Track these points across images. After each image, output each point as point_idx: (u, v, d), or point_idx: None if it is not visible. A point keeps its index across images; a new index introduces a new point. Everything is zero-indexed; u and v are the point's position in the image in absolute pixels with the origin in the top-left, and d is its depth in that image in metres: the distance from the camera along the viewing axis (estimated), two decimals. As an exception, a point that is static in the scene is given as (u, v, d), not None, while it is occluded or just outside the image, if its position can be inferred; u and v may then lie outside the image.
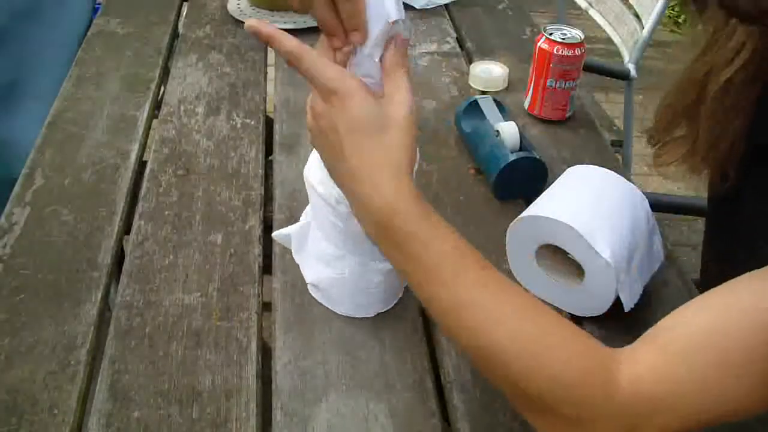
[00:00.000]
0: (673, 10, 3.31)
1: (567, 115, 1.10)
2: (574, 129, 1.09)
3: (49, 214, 0.90)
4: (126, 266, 0.84)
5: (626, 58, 1.70)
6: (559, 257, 0.78)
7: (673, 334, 0.57)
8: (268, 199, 0.95)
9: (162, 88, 1.18)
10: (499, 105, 1.01)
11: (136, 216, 0.90)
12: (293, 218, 0.89)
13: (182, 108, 1.10)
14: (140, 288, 0.81)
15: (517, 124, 0.95)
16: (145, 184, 0.95)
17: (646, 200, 0.80)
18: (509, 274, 0.83)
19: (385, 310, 0.79)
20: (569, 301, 0.79)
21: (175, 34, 1.32)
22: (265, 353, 0.76)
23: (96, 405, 0.69)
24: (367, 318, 0.78)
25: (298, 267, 0.81)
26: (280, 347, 0.76)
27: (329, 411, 0.69)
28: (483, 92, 1.14)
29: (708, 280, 0.86)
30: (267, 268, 0.85)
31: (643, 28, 1.66)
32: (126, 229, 0.90)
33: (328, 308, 0.79)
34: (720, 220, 0.87)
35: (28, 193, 0.93)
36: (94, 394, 0.70)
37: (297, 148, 1.03)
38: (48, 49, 1.41)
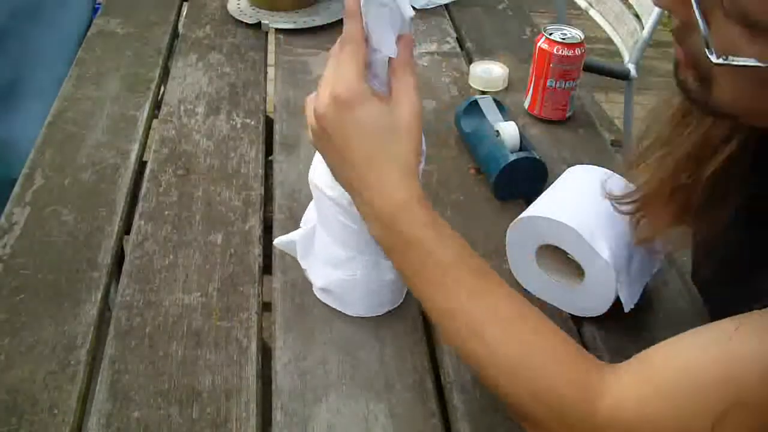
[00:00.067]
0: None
1: (567, 115, 1.10)
2: (574, 129, 1.09)
3: (49, 214, 0.90)
4: (126, 266, 0.84)
5: (626, 58, 1.70)
6: (559, 257, 0.78)
7: (660, 368, 0.56)
8: (268, 199, 0.95)
9: (162, 88, 1.18)
10: (499, 105, 1.01)
11: (136, 216, 0.90)
12: (293, 218, 0.89)
13: (182, 108, 1.10)
14: (140, 288, 0.81)
15: (517, 124, 0.95)
16: (145, 184, 0.95)
17: None
18: (509, 274, 0.84)
19: (393, 307, 0.80)
20: (569, 301, 0.79)
21: (175, 34, 1.32)
22: (265, 353, 0.76)
23: (96, 405, 0.69)
24: (368, 318, 0.78)
25: (299, 267, 0.81)
26: (280, 347, 0.76)
27: (329, 411, 0.69)
28: (483, 92, 1.14)
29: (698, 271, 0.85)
30: (267, 268, 0.85)
31: (643, 28, 1.66)
32: (126, 229, 0.90)
33: (328, 308, 0.79)
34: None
35: (28, 193, 0.93)
36: (94, 394, 0.70)
37: (297, 148, 1.03)
38: (48, 49, 1.41)
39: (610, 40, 1.81)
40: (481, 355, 0.60)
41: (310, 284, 0.81)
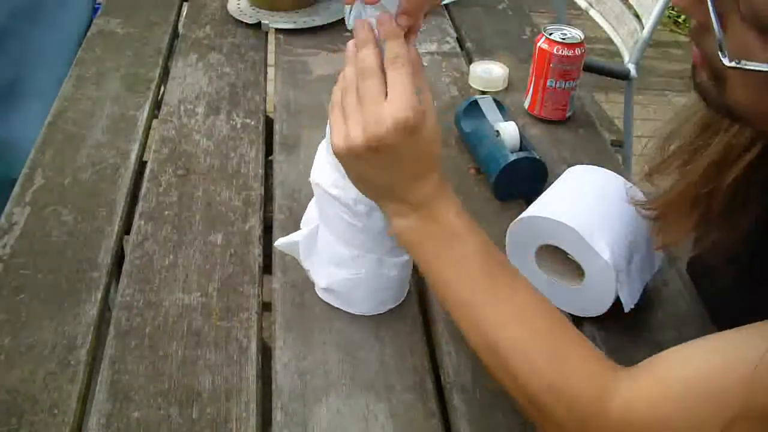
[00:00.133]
0: (672, 10, 3.31)
1: (567, 115, 1.10)
2: (574, 129, 1.09)
3: (49, 214, 0.90)
4: (126, 266, 0.84)
5: (626, 58, 1.70)
6: (559, 257, 0.78)
7: (673, 371, 0.57)
8: (268, 199, 0.95)
9: (162, 88, 1.18)
10: (499, 105, 1.01)
11: (136, 216, 0.90)
12: (293, 218, 0.89)
13: (182, 108, 1.10)
14: (140, 288, 0.81)
15: (517, 124, 0.95)
16: (145, 184, 0.95)
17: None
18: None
19: (397, 304, 0.80)
20: (569, 301, 0.79)
21: (175, 34, 1.32)
22: (265, 353, 0.76)
23: (96, 405, 0.69)
24: (368, 318, 0.78)
25: (299, 267, 0.81)
26: (280, 347, 0.76)
27: (329, 411, 0.69)
28: (483, 92, 1.14)
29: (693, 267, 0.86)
30: (267, 268, 0.85)
31: (643, 28, 1.66)
32: (126, 229, 0.90)
33: (328, 308, 0.79)
34: None
35: (28, 193, 0.93)
36: (94, 394, 0.70)
37: (297, 148, 1.03)
38: (48, 49, 1.41)
39: (610, 40, 1.81)
40: (502, 347, 0.61)
41: (310, 284, 0.81)
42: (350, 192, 0.70)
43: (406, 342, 0.77)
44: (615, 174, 0.82)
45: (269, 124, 1.10)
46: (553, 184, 0.84)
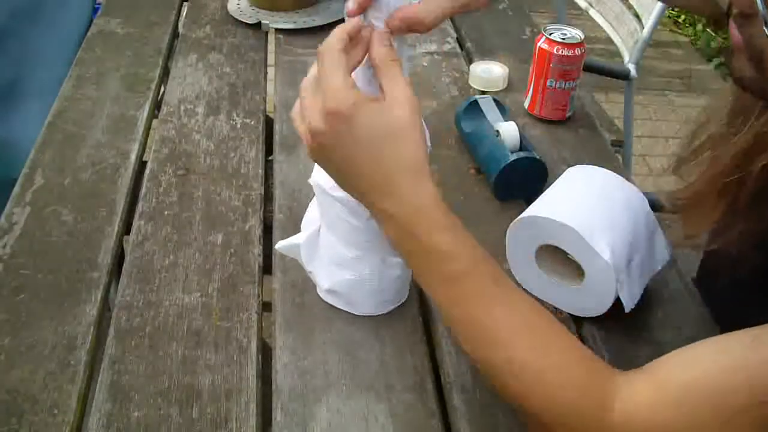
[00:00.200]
0: (672, 10, 3.31)
1: (567, 115, 1.10)
2: (574, 129, 1.09)
3: (49, 214, 0.90)
4: (126, 266, 0.84)
5: (626, 58, 1.70)
6: (559, 257, 0.78)
7: (672, 376, 0.57)
8: (268, 199, 0.95)
9: (162, 88, 1.18)
10: (499, 105, 1.01)
11: (136, 216, 0.90)
12: (293, 218, 0.89)
13: (182, 108, 1.10)
14: (140, 288, 0.81)
15: (517, 124, 0.95)
16: (145, 184, 0.95)
17: (646, 200, 0.80)
18: (509, 274, 0.84)
19: (400, 303, 0.80)
20: (569, 301, 0.79)
21: (175, 34, 1.32)
22: (265, 353, 0.76)
23: (96, 405, 0.69)
24: (367, 318, 0.78)
25: (299, 267, 0.81)
26: (280, 347, 0.76)
27: (329, 411, 0.69)
28: (483, 92, 1.14)
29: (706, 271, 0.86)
30: (267, 268, 0.85)
31: (643, 28, 1.66)
32: (126, 229, 0.90)
33: (328, 308, 0.79)
34: None
35: (28, 193, 0.93)
36: (94, 394, 0.70)
37: (297, 148, 1.03)
38: (48, 49, 1.41)
39: (610, 40, 1.81)
40: (497, 361, 0.60)
41: (310, 284, 0.81)
42: None
43: (406, 342, 0.77)
44: (615, 174, 0.82)
45: (269, 124, 1.10)
46: (553, 184, 0.84)
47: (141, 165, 1.00)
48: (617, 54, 1.78)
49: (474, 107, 1.02)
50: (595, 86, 2.41)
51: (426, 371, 0.74)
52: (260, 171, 0.98)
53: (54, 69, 1.27)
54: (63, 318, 0.77)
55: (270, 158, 1.03)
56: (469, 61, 1.25)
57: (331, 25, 1.30)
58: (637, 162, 2.39)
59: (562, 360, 0.59)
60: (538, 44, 1.06)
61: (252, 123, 1.08)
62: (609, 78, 1.74)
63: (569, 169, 0.86)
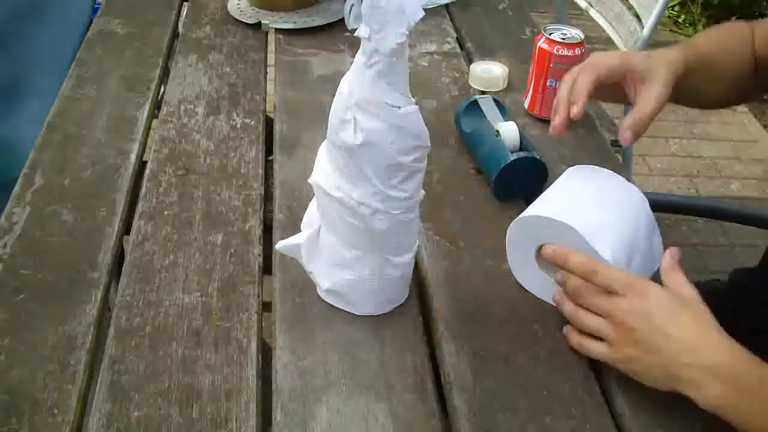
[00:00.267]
0: (672, 10, 3.31)
1: (567, 115, 1.09)
2: (574, 129, 1.09)
3: (49, 214, 0.90)
4: (126, 266, 0.84)
5: (626, 58, 1.70)
6: None
7: None
8: (268, 199, 0.95)
9: (162, 88, 1.18)
10: (499, 105, 1.01)
11: (136, 216, 0.90)
12: (293, 218, 0.89)
13: (182, 108, 1.10)
14: (140, 288, 0.81)
15: (517, 124, 0.95)
16: (145, 184, 0.95)
17: (646, 200, 0.80)
18: (509, 274, 0.84)
19: (400, 303, 0.80)
20: None
21: (175, 34, 1.32)
22: (265, 353, 0.76)
23: (96, 405, 0.69)
24: (367, 318, 0.78)
25: (299, 267, 0.81)
26: (280, 347, 0.76)
27: (329, 411, 0.69)
28: (483, 92, 1.14)
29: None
30: (267, 268, 0.85)
31: (643, 28, 1.66)
32: (126, 229, 0.90)
33: (328, 308, 0.79)
34: None
35: (28, 193, 0.93)
36: (94, 394, 0.70)
37: (297, 148, 1.03)
38: (48, 49, 1.41)
39: (610, 40, 1.81)
40: None
41: (310, 284, 0.81)
42: (353, 194, 0.70)
43: (406, 342, 0.77)
44: (615, 174, 0.82)
45: (269, 124, 1.10)
46: (553, 184, 0.84)
47: (141, 165, 1.00)
48: (617, 54, 1.77)
49: (474, 107, 1.02)
50: (595, 86, 2.40)
51: (426, 371, 0.74)
52: (260, 171, 0.98)
53: (54, 69, 1.27)
54: (63, 318, 0.77)
55: (270, 158, 1.03)
56: (469, 61, 1.25)
57: (331, 25, 1.31)
58: (637, 162, 2.39)
59: None
60: (538, 44, 1.06)
61: (252, 123, 1.08)
62: (609, 78, 1.73)
63: (569, 169, 0.86)
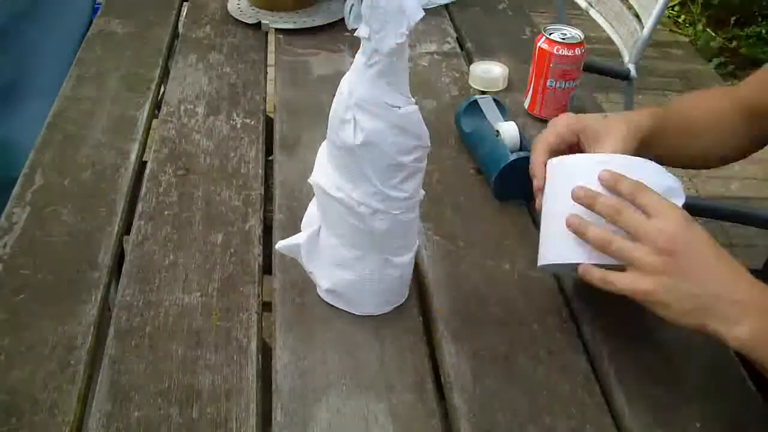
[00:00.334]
0: (672, 10, 3.31)
1: (567, 115, 1.09)
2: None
3: (49, 214, 0.90)
4: (126, 266, 0.84)
5: (626, 58, 1.70)
6: None
7: None
8: (268, 199, 0.95)
9: (162, 88, 1.18)
10: (499, 105, 1.02)
11: (136, 216, 0.90)
12: (293, 218, 0.89)
13: (182, 108, 1.10)
14: (140, 288, 0.81)
15: (517, 124, 0.95)
16: (145, 184, 0.95)
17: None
18: (509, 274, 0.84)
19: (400, 303, 0.80)
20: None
21: (175, 34, 1.32)
22: (265, 353, 0.76)
23: (96, 405, 0.69)
24: (367, 318, 0.78)
25: (299, 267, 0.81)
26: (280, 347, 0.76)
27: (329, 411, 0.69)
28: (483, 92, 1.14)
29: None
30: (267, 268, 0.85)
31: (643, 28, 1.66)
32: (126, 229, 0.90)
33: (328, 308, 0.79)
34: None
35: (28, 193, 0.93)
36: (94, 394, 0.70)
37: (297, 148, 1.03)
38: (48, 49, 1.41)
39: (610, 40, 1.81)
40: None
41: (310, 284, 0.81)
42: (353, 194, 0.70)
43: (406, 342, 0.77)
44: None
45: (269, 124, 1.10)
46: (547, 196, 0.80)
47: (141, 165, 1.00)
48: (617, 54, 1.78)
49: (474, 107, 1.02)
50: (595, 86, 2.40)
51: (426, 371, 0.74)
52: (260, 171, 0.98)
53: (54, 69, 1.27)
54: (63, 318, 0.77)
55: (270, 158, 1.03)
56: (469, 61, 1.25)
57: (331, 25, 1.31)
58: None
59: None
60: (538, 44, 1.06)
61: (252, 123, 1.08)
62: (609, 78, 1.74)
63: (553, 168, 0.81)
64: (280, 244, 0.80)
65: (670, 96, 2.76)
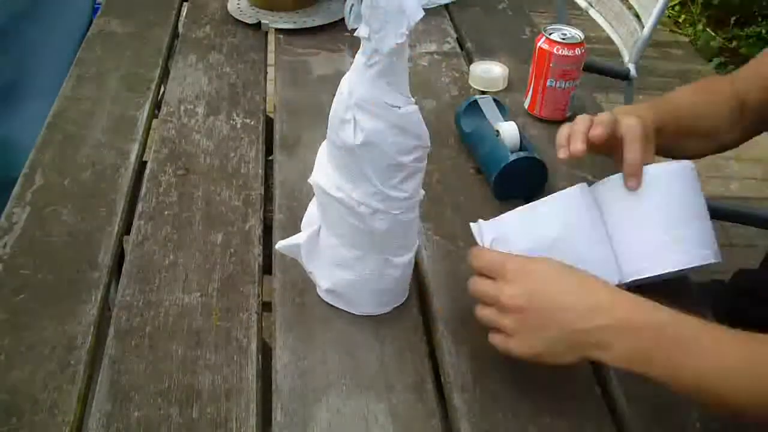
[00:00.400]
0: (672, 10, 3.31)
1: (567, 115, 1.10)
2: (574, 129, 1.09)
3: (49, 214, 0.90)
4: (126, 266, 0.84)
5: (626, 58, 1.70)
6: None
7: None
8: (268, 199, 0.95)
9: (162, 88, 1.18)
10: (499, 105, 1.02)
11: (136, 216, 0.90)
12: (293, 218, 0.89)
13: (182, 108, 1.10)
14: (140, 288, 0.81)
15: (517, 124, 0.95)
16: (145, 184, 0.95)
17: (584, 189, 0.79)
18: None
19: (400, 303, 0.80)
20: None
21: (175, 34, 1.32)
22: (265, 353, 0.76)
23: (96, 405, 0.69)
24: (367, 318, 0.79)
25: (299, 267, 0.81)
26: (280, 347, 0.76)
27: (329, 411, 0.69)
28: (483, 92, 1.14)
29: None
30: (267, 268, 0.85)
31: (643, 28, 1.66)
32: (126, 229, 0.90)
33: (328, 308, 0.79)
34: None
35: (28, 193, 0.93)
36: (94, 394, 0.70)
37: (297, 148, 1.03)
38: (48, 49, 1.41)
39: (610, 40, 1.81)
40: None
41: (310, 284, 0.81)
42: (353, 194, 0.70)
43: (406, 342, 0.77)
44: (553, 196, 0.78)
45: (269, 124, 1.10)
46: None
47: (141, 165, 1.00)
48: (617, 54, 1.78)
49: (474, 107, 1.02)
50: (595, 86, 2.40)
51: (426, 371, 0.74)
52: (260, 171, 0.98)
53: (54, 69, 1.27)
54: (63, 318, 0.77)
55: (270, 158, 1.03)
56: (469, 61, 1.25)
57: (331, 25, 1.31)
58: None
59: None
60: (538, 44, 1.06)
61: (252, 123, 1.08)
62: (609, 78, 1.74)
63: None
64: (280, 244, 0.80)
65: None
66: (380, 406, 0.70)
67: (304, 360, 0.74)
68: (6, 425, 0.67)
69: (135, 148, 1.01)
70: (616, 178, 0.79)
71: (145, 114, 1.09)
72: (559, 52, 1.04)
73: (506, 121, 0.97)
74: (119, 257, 0.87)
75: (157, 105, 1.14)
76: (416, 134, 0.69)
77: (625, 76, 1.68)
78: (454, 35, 1.34)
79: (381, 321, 0.79)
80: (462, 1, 1.42)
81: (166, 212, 0.91)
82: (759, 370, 0.60)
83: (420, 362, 0.75)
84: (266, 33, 1.31)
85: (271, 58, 1.26)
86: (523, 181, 0.94)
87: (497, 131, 0.95)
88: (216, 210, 0.92)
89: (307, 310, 0.79)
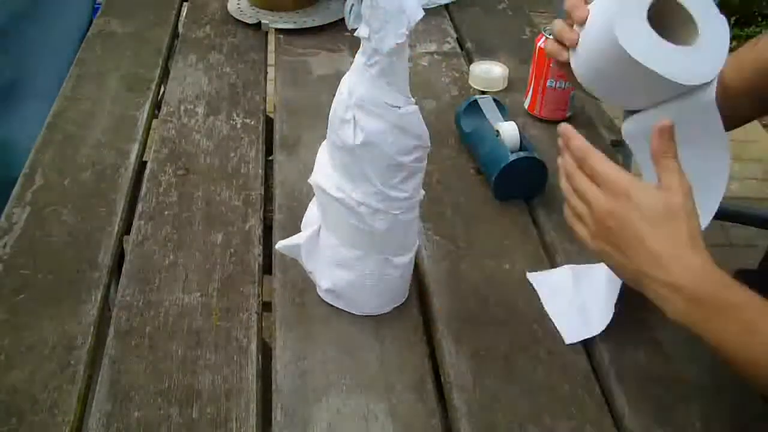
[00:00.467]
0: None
1: (567, 115, 1.10)
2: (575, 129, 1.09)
3: (49, 214, 0.90)
4: (126, 266, 0.84)
5: (626, 58, 1.70)
6: (670, 18, 0.74)
7: None
8: (268, 199, 0.95)
9: (162, 88, 1.18)
10: (499, 105, 1.02)
11: (136, 216, 0.91)
12: (293, 218, 0.89)
13: (182, 108, 1.10)
14: (140, 288, 0.81)
15: (517, 124, 0.95)
16: (145, 184, 0.95)
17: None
18: (509, 273, 0.83)
19: (400, 303, 0.80)
20: (683, 66, 0.73)
21: (175, 34, 1.32)
22: (265, 353, 0.76)
23: (96, 405, 0.69)
24: (367, 318, 0.79)
25: (299, 267, 0.81)
26: (280, 347, 0.76)
27: (329, 411, 0.69)
28: (483, 92, 1.14)
29: None
30: (267, 268, 0.85)
31: (643, 28, 1.66)
32: (126, 229, 0.90)
33: (328, 308, 0.79)
34: None
35: (28, 193, 0.93)
36: (94, 394, 0.70)
37: (297, 148, 1.03)
38: (48, 49, 1.41)
39: (610, 40, 1.80)
40: None
41: (310, 284, 0.81)
42: (353, 194, 0.70)
43: (406, 342, 0.77)
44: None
45: (269, 124, 1.10)
46: None
47: (141, 165, 1.00)
48: (617, 54, 1.77)
49: (474, 107, 1.02)
50: (595, 86, 2.40)
51: (426, 371, 0.74)
52: (260, 171, 0.98)
53: (54, 69, 1.27)
54: (63, 318, 0.77)
55: (270, 158, 1.03)
56: (469, 61, 1.25)
57: (331, 25, 1.31)
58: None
59: None
60: (538, 44, 1.06)
61: (252, 123, 1.08)
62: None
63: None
64: (280, 244, 0.80)
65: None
66: (380, 405, 0.70)
67: (304, 360, 0.74)
68: (6, 425, 0.67)
69: (135, 148, 1.02)
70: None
71: (145, 114, 1.09)
72: (559, 52, 1.03)
73: (506, 121, 0.97)
74: (119, 257, 0.87)
75: (157, 105, 1.14)
76: (416, 134, 0.69)
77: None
78: (454, 35, 1.34)
79: (381, 321, 0.79)
80: (462, 1, 1.42)
81: (166, 212, 0.91)
82: None
83: (420, 362, 0.75)
84: (266, 33, 1.31)
85: (271, 58, 1.26)
86: (523, 181, 0.94)
87: (497, 131, 0.95)
88: (216, 210, 0.92)
89: (307, 310, 0.79)
